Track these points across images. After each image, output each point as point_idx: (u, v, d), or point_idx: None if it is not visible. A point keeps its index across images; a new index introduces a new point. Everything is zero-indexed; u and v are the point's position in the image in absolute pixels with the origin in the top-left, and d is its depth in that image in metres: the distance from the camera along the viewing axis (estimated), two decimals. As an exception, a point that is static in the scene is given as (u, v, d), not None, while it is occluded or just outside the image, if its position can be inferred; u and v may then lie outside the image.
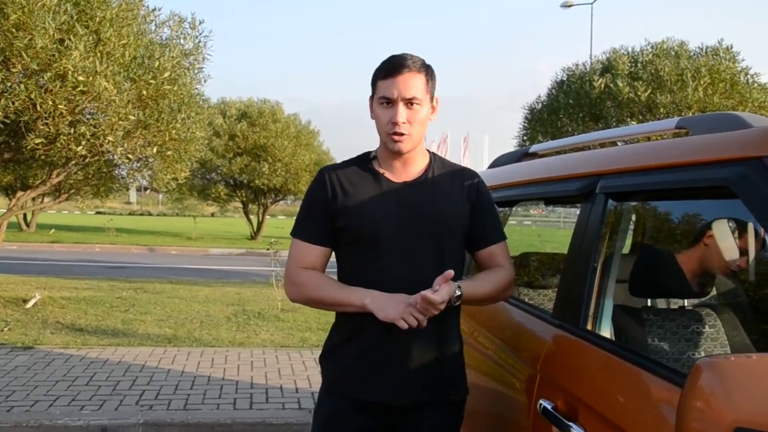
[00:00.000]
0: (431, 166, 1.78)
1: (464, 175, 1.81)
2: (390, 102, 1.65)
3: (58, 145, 5.43)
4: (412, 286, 1.62)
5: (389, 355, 1.68)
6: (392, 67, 1.65)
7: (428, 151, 1.82)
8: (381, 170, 1.75)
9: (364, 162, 1.79)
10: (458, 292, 1.63)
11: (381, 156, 1.77)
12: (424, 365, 1.68)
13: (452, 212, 1.73)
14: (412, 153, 1.72)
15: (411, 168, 1.75)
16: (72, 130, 5.38)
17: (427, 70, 1.69)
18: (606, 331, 1.66)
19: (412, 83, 1.64)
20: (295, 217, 1.83)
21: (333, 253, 1.80)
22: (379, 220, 1.68)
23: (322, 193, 1.74)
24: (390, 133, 1.66)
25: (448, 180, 1.78)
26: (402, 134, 1.65)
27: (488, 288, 1.74)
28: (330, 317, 1.84)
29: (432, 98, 1.72)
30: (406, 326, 1.56)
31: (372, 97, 1.72)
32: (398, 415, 1.70)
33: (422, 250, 1.68)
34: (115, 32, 5.45)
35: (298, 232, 1.79)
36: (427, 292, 1.53)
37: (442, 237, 1.71)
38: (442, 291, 1.54)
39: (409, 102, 1.65)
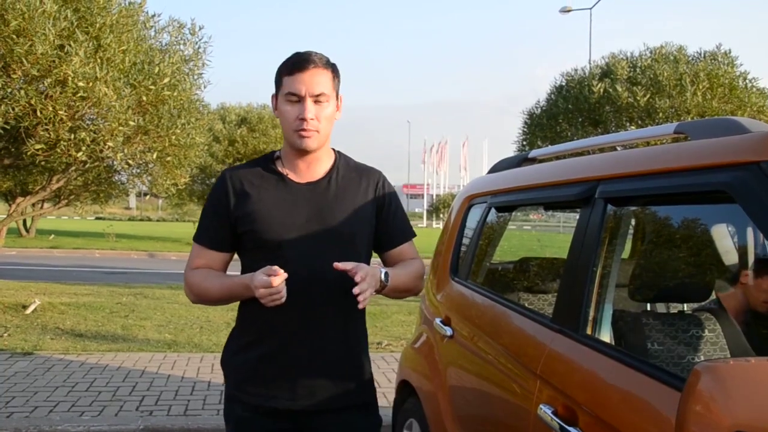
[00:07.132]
0: (336, 165, 1.76)
1: (369, 174, 1.80)
2: (298, 98, 1.62)
3: (58, 150, 5.44)
4: (318, 290, 1.62)
5: (292, 360, 1.66)
6: (298, 63, 1.63)
7: (334, 150, 1.80)
8: (285, 171, 1.72)
9: (267, 162, 1.75)
10: (383, 277, 1.63)
11: (285, 156, 1.73)
12: (329, 370, 1.68)
13: (357, 216, 1.72)
14: (317, 152, 1.70)
15: (316, 168, 1.73)
16: (72, 136, 5.39)
17: (333, 68, 1.68)
18: (606, 336, 1.65)
19: (318, 79, 1.63)
20: None
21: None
22: (283, 226, 1.65)
23: (223, 196, 1.70)
24: (298, 130, 1.63)
25: (353, 181, 1.76)
26: (311, 130, 1.63)
27: (406, 277, 1.76)
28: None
29: (337, 96, 1.70)
30: (276, 304, 1.52)
31: (276, 95, 1.69)
32: (307, 419, 1.69)
33: (327, 254, 1.63)
34: (115, 38, 5.47)
35: (197, 237, 1.76)
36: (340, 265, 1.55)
37: (347, 240, 1.69)
38: (352, 268, 1.55)
39: (317, 98, 1.63)
